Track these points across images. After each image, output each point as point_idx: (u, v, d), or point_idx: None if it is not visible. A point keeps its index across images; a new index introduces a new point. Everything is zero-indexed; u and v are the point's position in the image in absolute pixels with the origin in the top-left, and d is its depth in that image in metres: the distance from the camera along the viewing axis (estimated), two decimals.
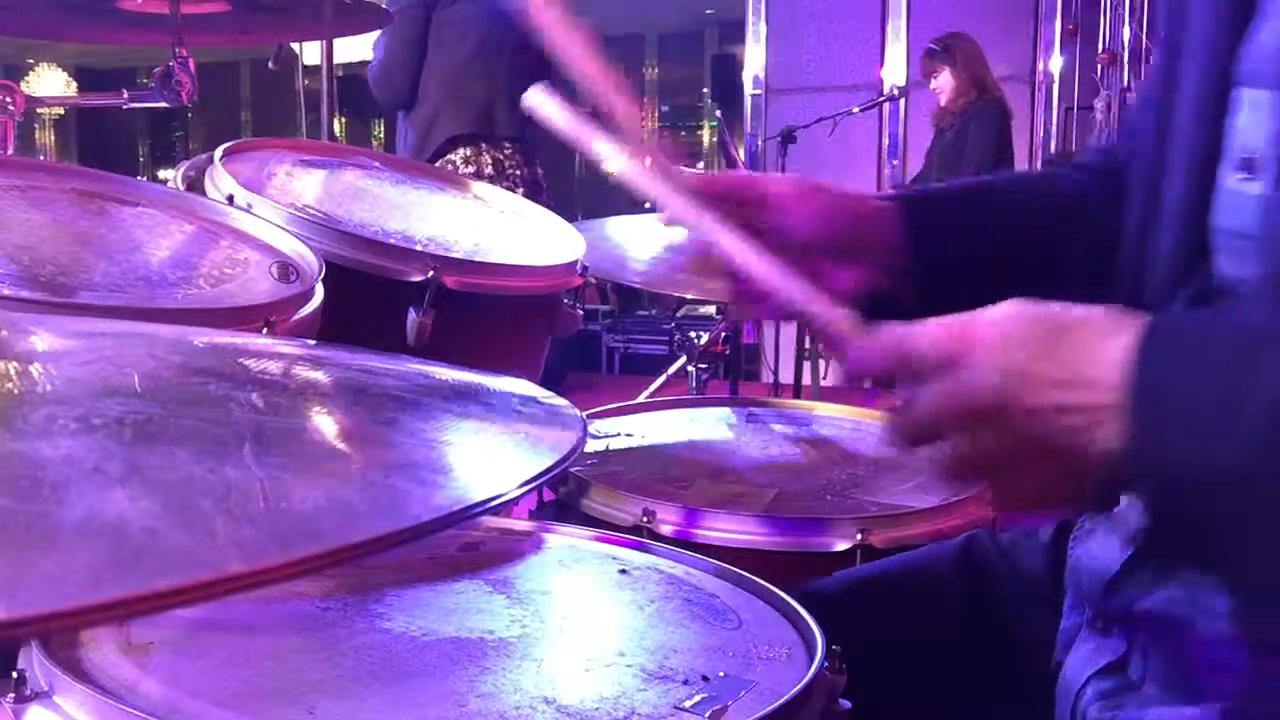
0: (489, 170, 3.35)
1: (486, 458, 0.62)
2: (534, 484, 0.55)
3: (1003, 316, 0.70)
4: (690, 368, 4.19)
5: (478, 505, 0.49)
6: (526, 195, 3.34)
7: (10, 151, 1.71)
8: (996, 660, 1.04)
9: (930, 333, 0.72)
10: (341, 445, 0.58)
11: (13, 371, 0.52)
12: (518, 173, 3.41)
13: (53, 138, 11.96)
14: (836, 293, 0.87)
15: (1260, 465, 0.61)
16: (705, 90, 10.61)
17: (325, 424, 0.62)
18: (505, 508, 0.56)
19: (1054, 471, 0.69)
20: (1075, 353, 0.67)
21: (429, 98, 3.28)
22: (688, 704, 0.76)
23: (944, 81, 5.04)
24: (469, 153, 3.32)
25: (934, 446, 0.73)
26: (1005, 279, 0.91)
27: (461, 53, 3.28)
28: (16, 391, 0.50)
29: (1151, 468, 0.65)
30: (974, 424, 0.70)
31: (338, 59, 3.52)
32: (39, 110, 2.85)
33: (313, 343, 1.01)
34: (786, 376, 4.64)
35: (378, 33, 3.39)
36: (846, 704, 0.82)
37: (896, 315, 0.76)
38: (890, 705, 0.94)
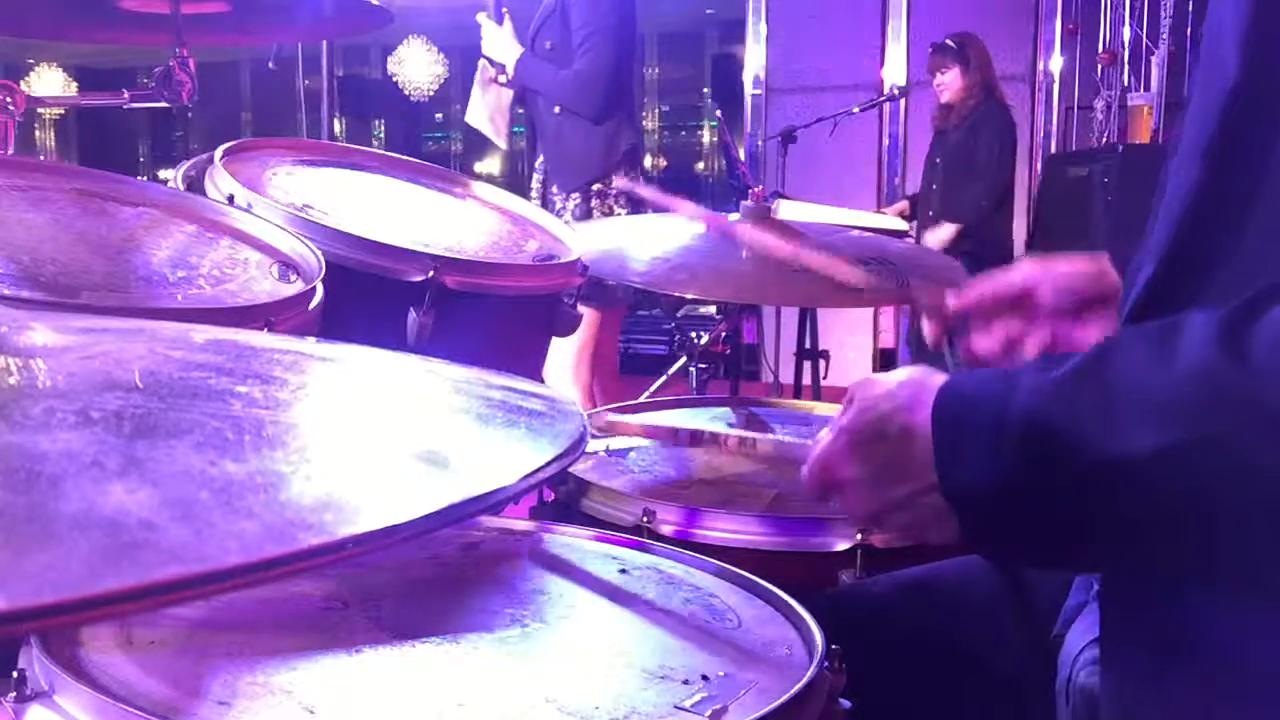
0: (641, 174, 3.62)
1: (488, 455, 0.62)
2: (536, 481, 0.55)
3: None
4: (690, 368, 4.19)
5: (478, 501, 0.49)
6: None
7: (10, 151, 1.70)
8: (999, 662, 1.04)
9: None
10: (341, 440, 0.57)
11: (12, 366, 0.52)
12: (650, 174, 3.75)
13: (53, 138, 11.97)
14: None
15: (1018, 479, 0.72)
16: (705, 90, 10.60)
17: (325, 419, 0.62)
18: (505, 505, 0.56)
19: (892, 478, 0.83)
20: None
21: (614, 108, 3.54)
22: (688, 704, 0.76)
23: (951, 79, 4.99)
24: (634, 159, 3.57)
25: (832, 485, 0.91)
26: None
27: (629, 66, 3.60)
28: (16, 385, 0.50)
29: (948, 490, 0.77)
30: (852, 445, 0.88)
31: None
32: (39, 110, 2.85)
33: (314, 339, 1.01)
34: (786, 376, 4.62)
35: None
36: (846, 704, 0.82)
37: None
38: (890, 705, 0.94)
